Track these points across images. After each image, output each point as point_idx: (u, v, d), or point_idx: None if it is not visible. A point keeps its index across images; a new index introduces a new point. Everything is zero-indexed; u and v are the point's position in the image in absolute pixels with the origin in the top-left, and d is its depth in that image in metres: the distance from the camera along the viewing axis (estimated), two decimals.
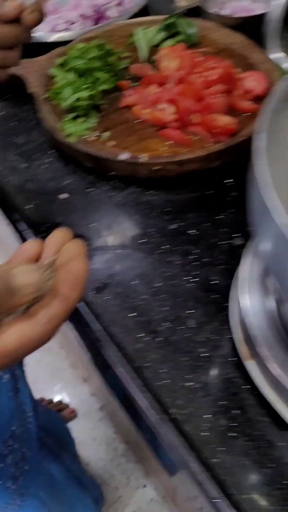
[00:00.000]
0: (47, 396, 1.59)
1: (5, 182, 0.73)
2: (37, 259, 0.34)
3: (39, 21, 0.52)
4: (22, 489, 0.72)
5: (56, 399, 1.58)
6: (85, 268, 0.32)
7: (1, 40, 0.51)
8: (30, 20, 0.51)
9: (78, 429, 1.52)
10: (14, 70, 0.83)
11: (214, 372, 0.52)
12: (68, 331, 0.81)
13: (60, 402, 1.56)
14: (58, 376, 1.66)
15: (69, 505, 0.86)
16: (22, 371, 0.79)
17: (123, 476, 1.43)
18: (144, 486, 1.40)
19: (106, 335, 0.56)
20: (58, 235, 0.35)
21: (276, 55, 0.81)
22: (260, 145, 0.31)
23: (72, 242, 0.35)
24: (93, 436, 1.51)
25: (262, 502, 0.44)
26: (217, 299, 0.58)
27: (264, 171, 0.28)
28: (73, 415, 1.53)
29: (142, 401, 0.51)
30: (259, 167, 0.29)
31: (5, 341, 0.29)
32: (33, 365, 1.67)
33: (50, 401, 1.55)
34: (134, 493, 1.40)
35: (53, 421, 1.01)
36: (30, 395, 0.84)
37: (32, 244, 0.34)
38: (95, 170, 0.73)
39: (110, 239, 0.65)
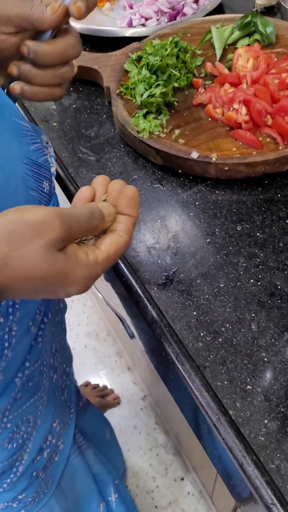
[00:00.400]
0: (92, 381, 1.63)
1: (75, 174, 0.75)
2: (92, 199, 0.45)
3: (86, 11, 0.44)
4: (49, 477, 0.75)
5: (100, 384, 1.62)
6: (135, 190, 0.43)
7: (48, 59, 0.46)
8: (75, 12, 0.44)
9: (119, 416, 1.55)
10: (89, 64, 0.85)
11: (274, 378, 0.52)
12: (115, 319, 0.83)
13: (105, 387, 1.59)
14: (103, 362, 1.70)
15: (81, 501, 0.88)
16: (71, 368, 0.81)
17: (161, 467, 1.45)
18: (182, 479, 1.42)
19: (167, 331, 0.57)
20: (100, 180, 0.46)
21: None
22: None
23: (114, 181, 0.46)
24: (134, 424, 1.54)
25: None
26: (280, 304, 0.58)
27: None
28: (116, 401, 1.57)
29: (201, 400, 0.52)
30: None
31: (106, 250, 0.40)
32: (80, 349, 1.72)
33: (95, 386, 1.59)
34: (171, 485, 1.41)
35: (96, 426, 1.04)
36: (77, 392, 0.85)
37: (86, 189, 0.45)
38: (164, 166, 0.74)
39: (175, 236, 0.66)
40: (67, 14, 0.45)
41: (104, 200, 0.44)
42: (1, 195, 0.40)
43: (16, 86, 0.48)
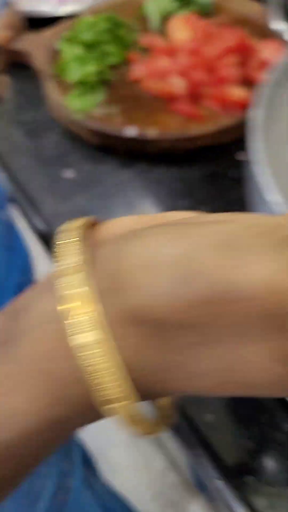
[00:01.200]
0: None
1: (11, 161, 0.71)
2: None
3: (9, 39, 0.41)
4: None
5: None
6: None
7: None
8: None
9: None
10: (18, 45, 0.81)
11: None
12: None
13: None
14: None
15: None
16: None
17: (141, 458, 1.44)
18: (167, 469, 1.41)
19: None
20: None
21: (279, 26, 0.76)
22: (256, 121, 0.28)
23: None
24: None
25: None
26: None
27: (257, 147, 0.26)
28: None
29: None
30: (253, 143, 0.26)
31: None
32: None
33: None
34: (154, 476, 1.40)
35: None
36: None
37: None
38: (102, 147, 0.71)
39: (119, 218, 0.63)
40: None
41: None
42: None
43: None
